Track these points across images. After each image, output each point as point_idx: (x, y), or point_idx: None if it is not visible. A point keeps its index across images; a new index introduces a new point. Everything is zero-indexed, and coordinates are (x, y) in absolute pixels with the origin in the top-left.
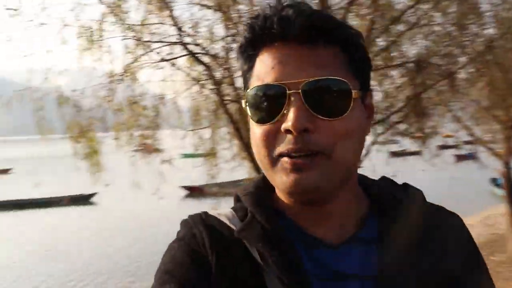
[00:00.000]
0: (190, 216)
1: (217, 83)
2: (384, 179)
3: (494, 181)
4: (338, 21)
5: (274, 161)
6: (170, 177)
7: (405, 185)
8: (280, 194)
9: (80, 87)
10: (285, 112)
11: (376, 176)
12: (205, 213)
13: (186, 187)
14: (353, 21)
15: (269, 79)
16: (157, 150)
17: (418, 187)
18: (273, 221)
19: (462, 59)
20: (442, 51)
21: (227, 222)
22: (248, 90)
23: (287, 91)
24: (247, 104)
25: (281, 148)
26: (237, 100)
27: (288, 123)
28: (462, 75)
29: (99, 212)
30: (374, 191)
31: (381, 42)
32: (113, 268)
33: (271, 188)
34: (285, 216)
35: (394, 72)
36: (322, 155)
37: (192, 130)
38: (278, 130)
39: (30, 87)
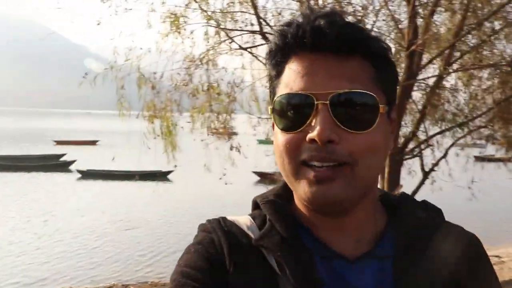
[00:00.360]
0: (209, 221)
1: None
2: (404, 196)
3: None
4: (368, 34)
5: (297, 170)
6: (244, 162)
7: (425, 202)
8: (300, 204)
9: (160, 69)
10: (311, 122)
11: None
12: (224, 218)
13: (257, 173)
14: (442, 16)
15: (297, 87)
16: (232, 135)
17: (438, 206)
18: (292, 231)
19: None
20: None
21: (245, 229)
22: (275, 97)
23: (315, 101)
24: (273, 110)
25: (304, 155)
26: None
27: (314, 133)
28: None
29: (176, 188)
30: (394, 208)
31: (472, 40)
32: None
33: (290, 197)
34: (303, 226)
35: (484, 73)
36: (345, 166)
37: (267, 118)
38: (303, 139)
39: (114, 67)
